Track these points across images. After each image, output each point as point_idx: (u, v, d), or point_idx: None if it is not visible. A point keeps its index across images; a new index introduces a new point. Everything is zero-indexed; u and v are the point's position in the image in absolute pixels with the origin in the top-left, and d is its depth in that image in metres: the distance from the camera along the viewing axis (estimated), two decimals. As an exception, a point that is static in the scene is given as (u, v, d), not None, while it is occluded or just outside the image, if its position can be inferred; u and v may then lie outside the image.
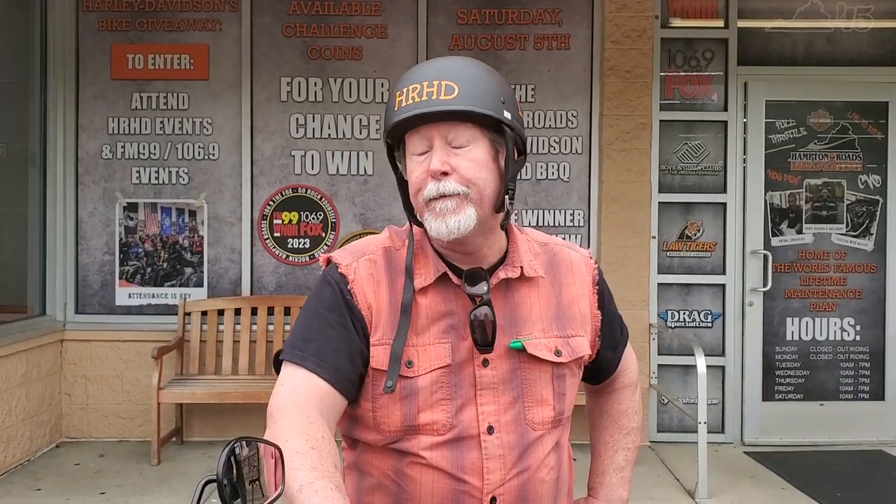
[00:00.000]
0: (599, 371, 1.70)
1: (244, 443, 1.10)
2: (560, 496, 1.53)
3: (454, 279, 1.47)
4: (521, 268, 1.50)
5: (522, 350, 1.46)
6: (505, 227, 1.51)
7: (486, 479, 1.42)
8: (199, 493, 1.05)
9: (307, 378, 1.39)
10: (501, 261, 1.51)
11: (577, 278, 1.58)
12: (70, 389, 5.64)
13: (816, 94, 5.72)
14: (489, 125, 1.41)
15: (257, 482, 1.10)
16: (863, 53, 5.75)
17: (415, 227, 1.51)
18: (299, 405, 1.35)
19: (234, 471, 1.06)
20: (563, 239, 1.67)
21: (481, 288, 1.42)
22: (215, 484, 1.04)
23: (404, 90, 1.39)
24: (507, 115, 1.41)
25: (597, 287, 1.60)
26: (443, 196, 1.39)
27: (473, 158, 1.40)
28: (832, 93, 5.72)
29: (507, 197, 1.44)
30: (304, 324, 1.46)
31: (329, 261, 1.52)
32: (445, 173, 1.38)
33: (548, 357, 1.48)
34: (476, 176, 1.39)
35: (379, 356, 1.44)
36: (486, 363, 1.45)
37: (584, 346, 1.55)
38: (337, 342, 1.42)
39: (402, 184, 1.50)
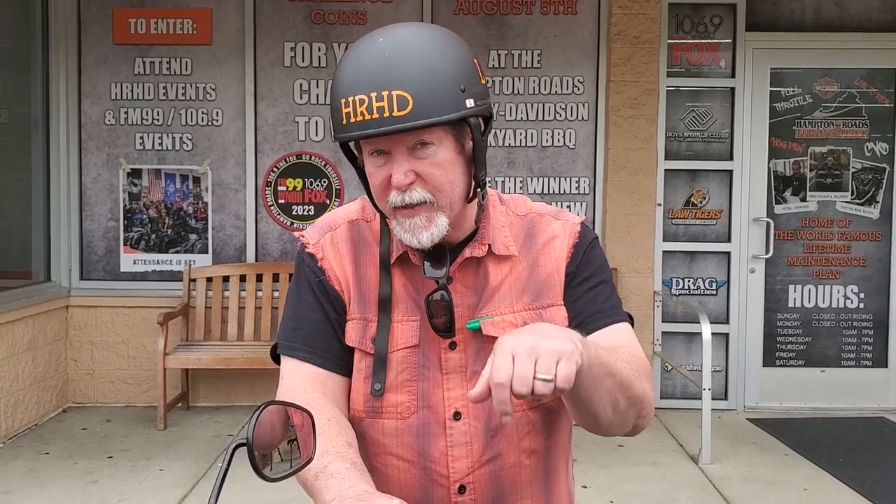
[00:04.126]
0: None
1: (274, 407, 1.10)
2: (552, 474, 1.46)
3: (414, 259, 1.40)
4: (489, 245, 1.42)
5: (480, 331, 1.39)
6: (481, 204, 1.40)
7: (451, 466, 1.38)
8: (230, 456, 1.05)
9: (302, 367, 1.40)
10: (472, 236, 1.43)
11: (558, 244, 1.45)
12: (76, 355, 5.66)
13: (824, 61, 5.66)
14: (452, 122, 1.28)
15: (289, 447, 1.10)
16: (872, 19, 5.68)
17: None
18: (299, 395, 1.34)
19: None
20: (560, 207, 1.55)
21: (440, 271, 1.35)
22: (245, 448, 1.05)
23: (350, 101, 1.25)
24: (470, 102, 1.28)
25: (573, 249, 1.45)
26: (409, 206, 1.30)
27: (438, 163, 1.29)
28: (840, 60, 5.66)
29: (479, 190, 1.36)
30: (289, 313, 1.46)
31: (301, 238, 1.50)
32: (410, 183, 1.29)
33: None
34: (443, 182, 1.30)
35: (348, 332, 1.42)
36: (452, 346, 1.40)
37: (560, 315, 1.42)
38: (322, 325, 1.42)
39: (363, 173, 1.39)
